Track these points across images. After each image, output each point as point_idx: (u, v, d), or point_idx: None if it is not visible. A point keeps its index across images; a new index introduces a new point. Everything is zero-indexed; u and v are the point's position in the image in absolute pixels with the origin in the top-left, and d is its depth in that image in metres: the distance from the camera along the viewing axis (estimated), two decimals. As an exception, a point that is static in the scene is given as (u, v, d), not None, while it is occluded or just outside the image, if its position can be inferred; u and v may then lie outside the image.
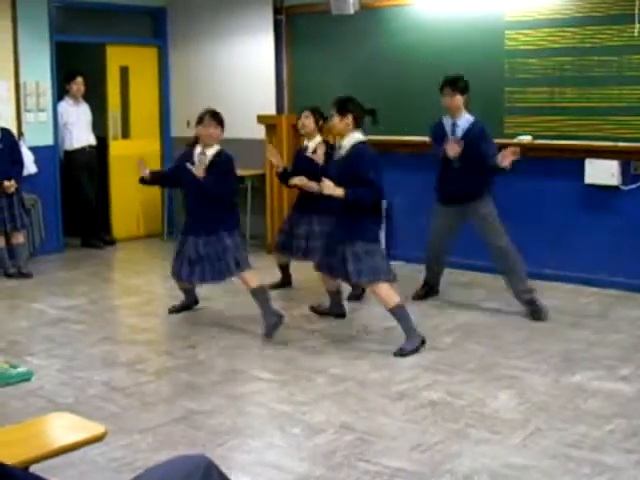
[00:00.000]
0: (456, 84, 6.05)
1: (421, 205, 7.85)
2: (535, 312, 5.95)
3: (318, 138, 6.48)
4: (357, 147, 5.27)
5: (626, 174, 6.69)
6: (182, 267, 5.77)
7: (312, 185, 5.70)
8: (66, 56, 8.68)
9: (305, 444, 3.94)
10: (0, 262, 7.54)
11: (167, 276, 7.13)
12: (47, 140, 8.46)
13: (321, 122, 6.46)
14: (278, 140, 8.25)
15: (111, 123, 9.31)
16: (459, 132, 6.06)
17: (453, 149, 5.95)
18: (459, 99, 6.06)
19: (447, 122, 6.16)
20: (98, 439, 2.75)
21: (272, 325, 5.58)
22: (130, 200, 9.36)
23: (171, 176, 6.11)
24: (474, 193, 6.07)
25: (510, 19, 7.10)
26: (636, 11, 6.43)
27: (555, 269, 6.97)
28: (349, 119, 5.29)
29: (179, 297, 6.81)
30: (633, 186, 6.67)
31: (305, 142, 6.56)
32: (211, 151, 5.66)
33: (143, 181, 5.88)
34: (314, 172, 5.93)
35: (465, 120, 6.08)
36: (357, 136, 5.30)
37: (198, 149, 5.69)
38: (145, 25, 9.60)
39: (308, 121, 6.43)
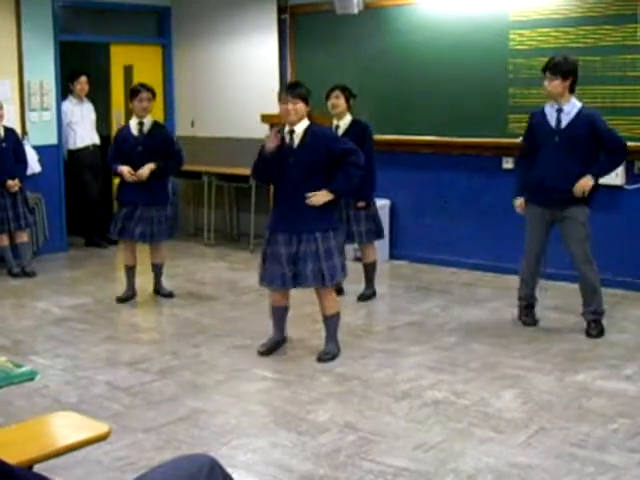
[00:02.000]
0: (556, 67, 5.50)
1: (424, 204, 7.87)
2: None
3: (349, 117, 6.36)
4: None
5: (630, 174, 6.69)
6: None
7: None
8: (70, 55, 8.69)
9: (309, 443, 3.94)
10: (4, 261, 7.56)
11: (171, 275, 7.13)
12: (51, 139, 8.47)
13: (351, 100, 6.40)
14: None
15: (115, 122, 9.30)
16: (564, 120, 5.49)
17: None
18: (557, 84, 5.44)
19: (550, 109, 5.56)
20: (102, 438, 2.75)
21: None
22: (134, 199, 9.36)
23: None
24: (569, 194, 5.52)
25: (514, 19, 7.10)
26: (639, 11, 6.43)
27: (559, 268, 6.95)
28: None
29: (181, 296, 6.81)
30: (637, 185, 6.67)
31: (335, 122, 6.36)
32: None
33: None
34: None
35: (571, 106, 5.49)
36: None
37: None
38: (149, 24, 9.60)
39: (339, 101, 6.31)
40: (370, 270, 6.64)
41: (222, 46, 9.15)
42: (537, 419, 4.19)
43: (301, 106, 5.01)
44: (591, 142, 5.47)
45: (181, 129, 9.64)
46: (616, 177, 6.64)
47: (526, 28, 7.04)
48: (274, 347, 5.32)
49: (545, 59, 6.94)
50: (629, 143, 6.58)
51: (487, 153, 7.34)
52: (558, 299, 6.46)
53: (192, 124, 9.55)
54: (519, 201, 5.77)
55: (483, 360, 5.13)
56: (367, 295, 6.64)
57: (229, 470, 2.38)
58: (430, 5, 7.57)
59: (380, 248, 8.01)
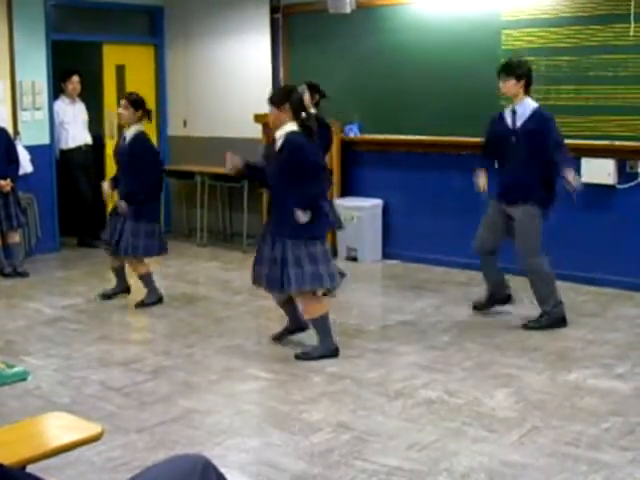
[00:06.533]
0: (511, 68, 5.66)
1: (417, 204, 7.88)
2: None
3: (312, 111, 6.39)
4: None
5: (622, 173, 6.70)
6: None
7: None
8: (62, 55, 8.66)
9: (302, 443, 3.94)
10: (-4, 261, 7.54)
11: (163, 275, 7.13)
12: (43, 139, 8.45)
13: (317, 97, 6.63)
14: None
15: (107, 122, 9.30)
16: (519, 120, 5.65)
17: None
18: (512, 84, 5.61)
19: (508, 111, 5.74)
20: (95, 439, 2.75)
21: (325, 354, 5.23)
22: (126, 199, 9.34)
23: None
24: (522, 193, 5.68)
25: (507, 18, 7.11)
26: (631, 11, 6.44)
27: (552, 267, 6.98)
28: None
29: (174, 296, 6.80)
30: (629, 185, 6.68)
31: None
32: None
33: (240, 175, 5.40)
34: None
35: (525, 107, 5.65)
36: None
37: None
38: (142, 24, 9.58)
39: (304, 97, 6.26)
40: None
41: (215, 46, 9.14)
42: (530, 418, 4.20)
43: (272, 111, 5.05)
44: (543, 141, 5.59)
45: (173, 129, 9.63)
46: (608, 176, 6.67)
47: (518, 28, 7.05)
48: (282, 334, 5.45)
49: (538, 59, 6.99)
50: (621, 142, 6.63)
51: (480, 152, 7.33)
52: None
53: (184, 124, 9.54)
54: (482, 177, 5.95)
55: (476, 359, 5.13)
56: None
57: (222, 470, 2.37)
58: (423, 5, 7.57)
59: (373, 247, 8.04)
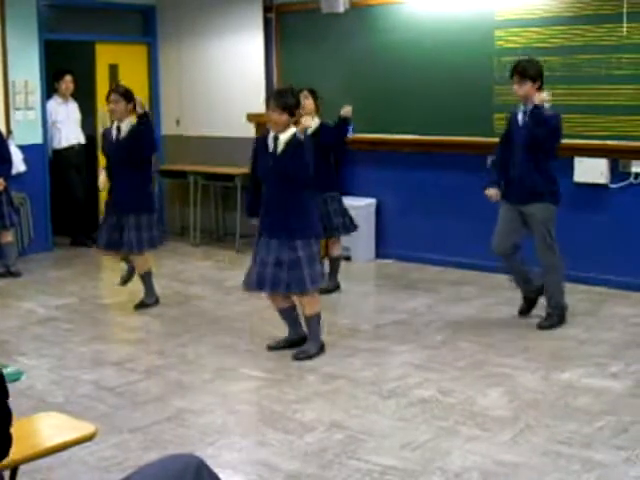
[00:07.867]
0: (525, 70, 5.57)
1: (411, 203, 7.89)
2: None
3: (317, 119, 6.45)
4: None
5: (615, 172, 6.71)
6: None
7: None
8: (55, 54, 8.65)
9: (296, 442, 3.94)
10: (-11, 261, 7.52)
11: (157, 274, 7.11)
12: (36, 138, 8.43)
13: (318, 101, 6.57)
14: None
15: (100, 121, 9.26)
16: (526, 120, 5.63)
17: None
18: (529, 86, 5.53)
19: (520, 112, 5.68)
20: (88, 439, 2.75)
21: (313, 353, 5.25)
22: (120, 199, 9.32)
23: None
24: (531, 192, 5.63)
25: (500, 18, 7.12)
26: (624, 10, 6.45)
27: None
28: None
29: (167, 295, 6.80)
30: (621, 184, 6.69)
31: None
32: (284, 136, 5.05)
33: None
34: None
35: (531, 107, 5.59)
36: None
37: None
38: (135, 23, 9.57)
39: (308, 101, 6.35)
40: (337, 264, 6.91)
41: (208, 45, 9.13)
42: (523, 417, 4.21)
43: (279, 115, 4.96)
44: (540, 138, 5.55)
45: (166, 128, 9.61)
46: (601, 176, 6.68)
47: (511, 27, 7.05)
48: (283, 345, 5.33)
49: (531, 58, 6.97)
50: (614, 142, 6.64)
51: (473, 152, 7.35)
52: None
53: (177, 123, 9.52)
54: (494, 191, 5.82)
55: (470, 358, 5.14)
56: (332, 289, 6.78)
57: (216, 470, 2.37)
58: (416, 4, 7.57)
59: (367, 247, 8.04)
